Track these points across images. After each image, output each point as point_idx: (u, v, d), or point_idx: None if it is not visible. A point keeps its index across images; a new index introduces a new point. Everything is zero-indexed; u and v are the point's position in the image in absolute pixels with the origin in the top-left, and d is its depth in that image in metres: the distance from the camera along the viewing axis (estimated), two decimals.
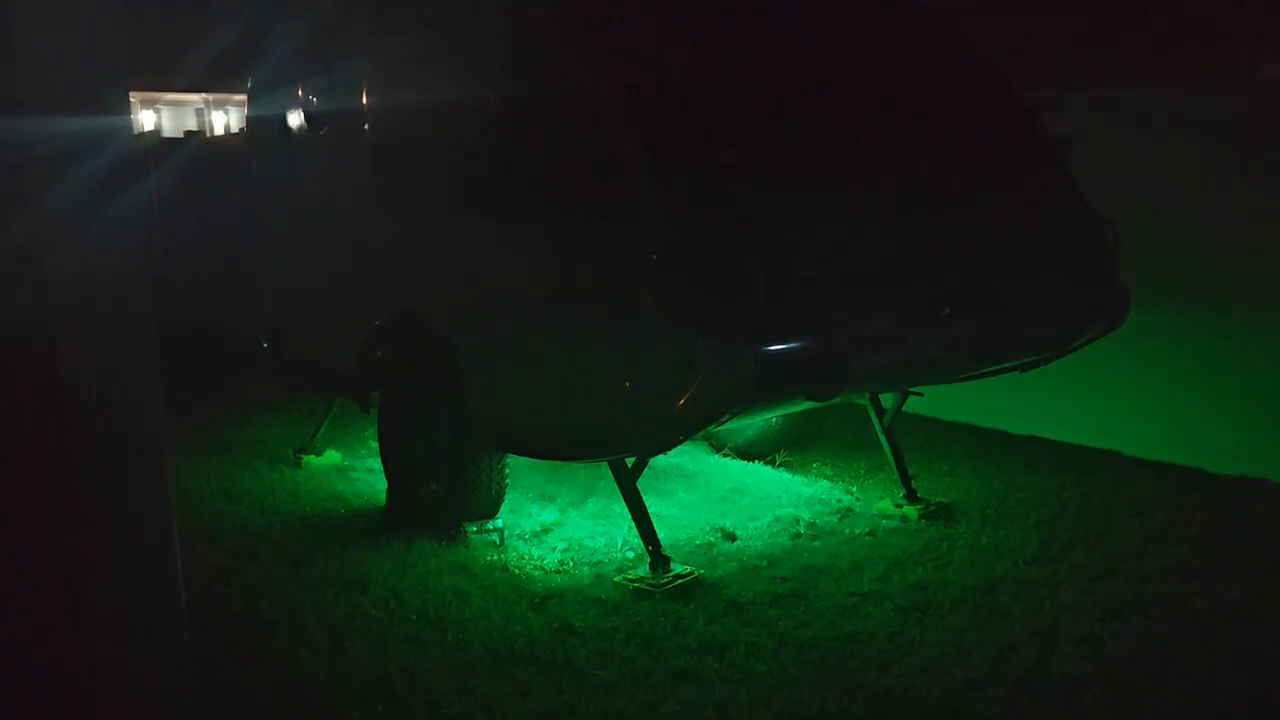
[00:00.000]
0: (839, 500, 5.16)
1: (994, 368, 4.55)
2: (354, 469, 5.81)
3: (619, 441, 3.96)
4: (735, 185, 3.64)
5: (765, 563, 4.45)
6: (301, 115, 5.54)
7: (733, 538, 4.71)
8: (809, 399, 3.92)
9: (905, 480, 5.05)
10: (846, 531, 4.78)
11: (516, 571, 4.41)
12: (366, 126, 5.17)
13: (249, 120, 6.12)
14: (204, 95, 21.53)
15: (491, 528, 4.76)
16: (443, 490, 4.77)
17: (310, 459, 5.89)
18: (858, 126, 4.30)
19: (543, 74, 4.15)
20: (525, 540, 4.75)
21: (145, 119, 20.60)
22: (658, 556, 4.24)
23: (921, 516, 4.89)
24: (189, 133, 14.34)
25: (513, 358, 4.21)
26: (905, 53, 4.83)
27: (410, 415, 4.92)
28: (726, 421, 3.83)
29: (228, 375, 6.98)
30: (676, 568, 4.25)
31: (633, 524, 4.38)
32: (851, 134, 4.23)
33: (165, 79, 19.97)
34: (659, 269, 3.53)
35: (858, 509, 5.04)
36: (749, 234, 3.56)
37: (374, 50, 5.03)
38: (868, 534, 4.74)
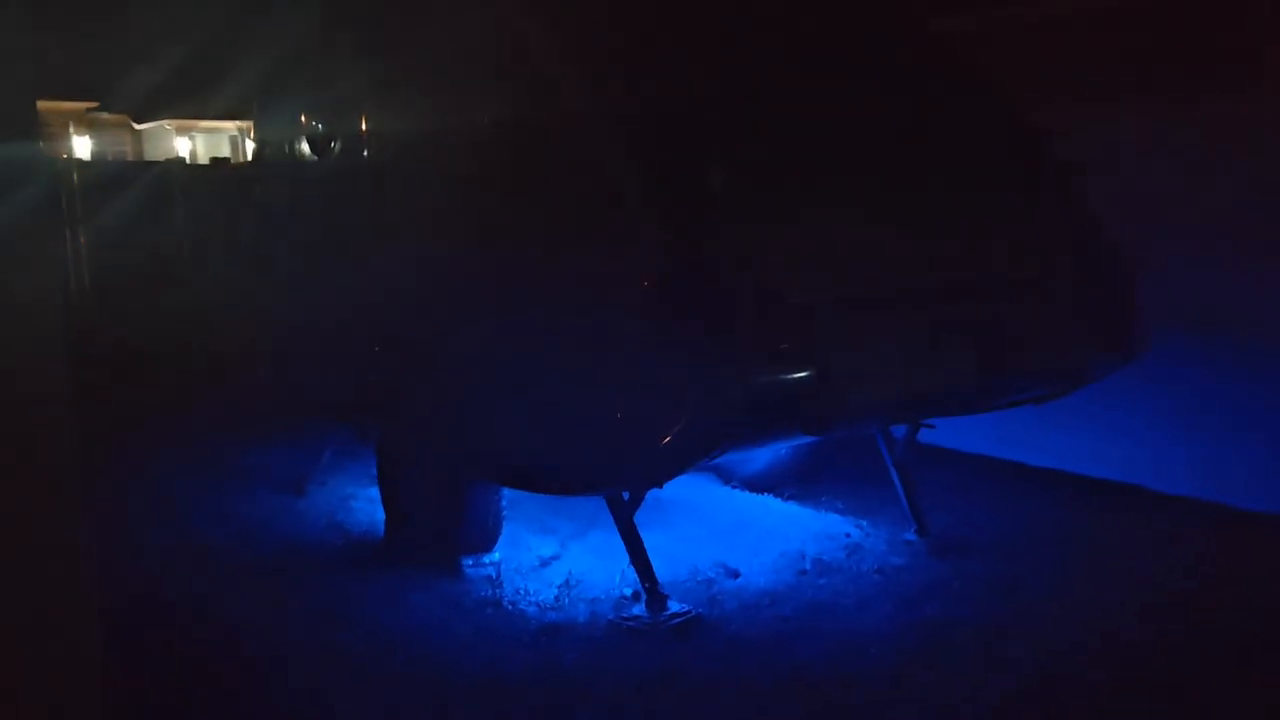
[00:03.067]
0: (848, 535, 4.94)
1: (1005, 400, 4.33)
2: (355, 498, 5.65)
3: (610, 476, 3.78)
4: (728, 209, 3.47)
5: (768, 600, 4.23)
6: (301, 139, 5.43)
7: (735, 574, 4.50)
8: (803, 432, 3.72)
9: (916, 514, 4.83)
10: (854, 568, 4.56)
11: (510, 607, 4.22)
12: (364, 151, 5.05)
13: (255, 143, 6.04)
14: (238, 123, 21.73)
15: (488, 561, 4.59)
16: (439, 523, 4.60)
17: (313, 487, 5.75)
18: (858, 148, 4.11)
19: (534, 98, 4.00)
20: (522, 574, 4.56)
21: (180, 145, 20.79)
22: (655, 594, 4.04)
23: (932, 552, 4.66)
24: (216, 159, 14.39)
25: (506, 388, 4.04)
26: (908, 74, 4.65)
27: (406, 446, 4.77)
28: (718, 456, 3.65)
29: (236, 401, 6.86)
30: (674, 605, 4.05)
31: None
32: (851, 156, 4.05)
33: (201, 108, 20.16)
34: (647, 296, 3.36)
35: (867, 544, 4.81)
36: (741, 259, 3.39)
37: (370, 73, 4.91)
38: (876, 570, 4.52)
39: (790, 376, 3.36)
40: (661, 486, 3.86)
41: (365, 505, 5.51)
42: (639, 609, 4.05)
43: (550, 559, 4.70)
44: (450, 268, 4.31)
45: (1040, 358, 4.10)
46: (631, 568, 4.22)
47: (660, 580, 4.13)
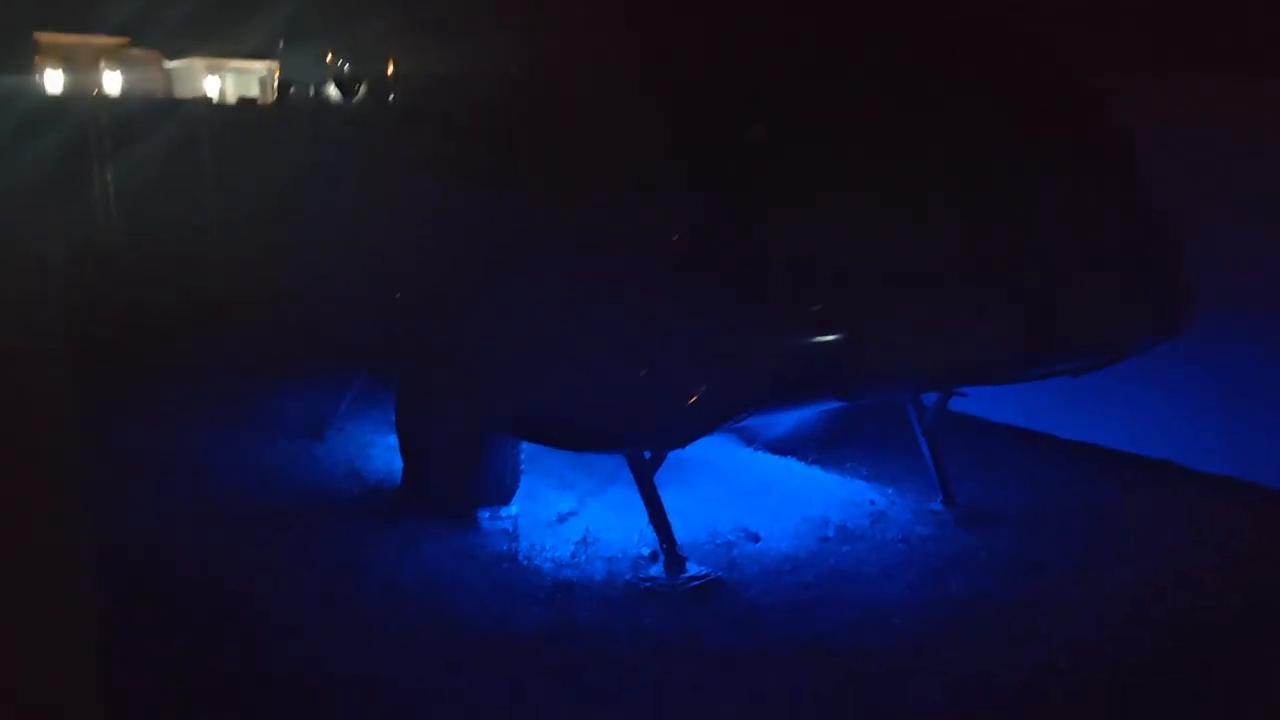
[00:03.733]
0: (872, 502, 4.82)
1: (1042, 371, 4.18)
2: (374, 445, 5.57)
3: (632, 435, 3.67)
4: (765, 167, 3.32)
5: (789, 566, 4.13)
6: (329, 83, 5.30)
7: (756, 538, 4.39)
8: (834, 398, 3.59)
9: (943, 484, 4.70)
10: (878, 536, 4.44)
11: (525, 563, 4.14)
12: (392, 94, 4.91)
13: (279, 85, 5.90)
14: (268, 63, 21.51)
15: (505, 515, 4.50)
16: (456, 474, 4.51)
17: (332, 433, 5.68)
18: (898, 107, 3.93)
19: (571, 45, 3.85)
20: (539, 529, 4.48)
21: (210, 84, 20.61)
22: (673, 556, 3.94)
23: (959, 523, 4.54)
24: (244, 99, 14.25)
25: (529, 341, 3.92)
26: (953, 31, 4.45)
27: (426, 395, 4.67)
28: (745, 419, 3.53)
29: (256, 345, 6.77)
30: (693, 568, 3.96)
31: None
32: (891, 115, 3.87)
33: (232, 45, 19.96)
34: (678, 253, 3.23)
35: (892, 512, 4.69)
36: (777, 219, 3.24)
37: (401, 12, 4.76)
38: (901, 539, 4.40)
39: (822, 340, 3.23)
40: (685, 447, 3.75)
41: (383, 453, 5.43)
42: (657, 570, 3.96)
43: (568, 515, 4.61)
44: (479, 215, 4.18)
45: (1082, 329, 3.94)
46: (650, 527, 4.13)
47: (679, 542, 4.04)
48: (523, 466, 4.54)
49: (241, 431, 5.76)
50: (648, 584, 3.88)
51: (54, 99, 16.05)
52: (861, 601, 3.85)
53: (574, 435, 3.90)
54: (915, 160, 3.71)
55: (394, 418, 4.88)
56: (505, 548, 4.26)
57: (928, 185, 3.71)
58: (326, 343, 5.68)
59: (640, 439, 3.71)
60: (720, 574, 4.00)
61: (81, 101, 14.35)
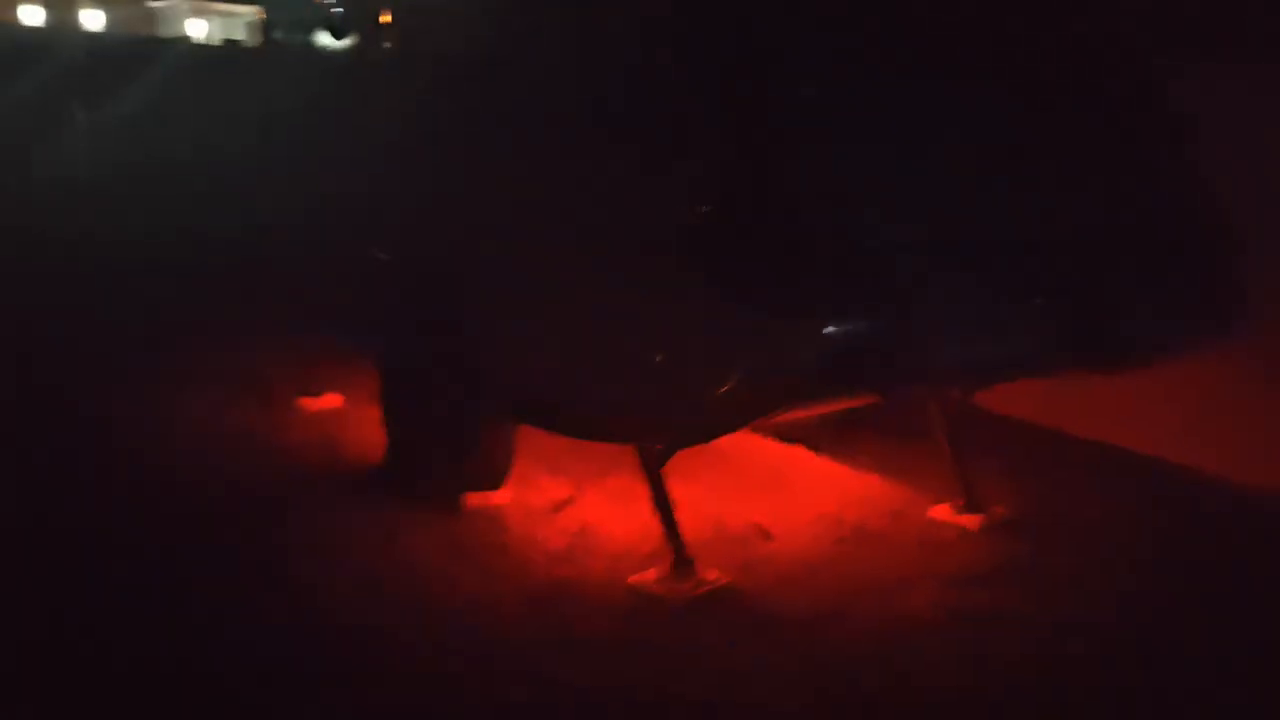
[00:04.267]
0: (888, 500, 4.48)
1: (1085, 367, 3.82)
2: (354, 415, 5.17)
3: (648, 426, 3.30)
4: (802, 131, 2.93)
5: (805, 571, 3.78)
6: (318, 23, 4.87)
7: (768, 536, 4.04)
8: (878, 395, 3.24)
9: (965, 485, 4.35)
10: (896, 539, 4.10)
11: (517, 557, 3.78)
12: (390, 40, 4.49)
13: (266, 23, 5.46)
14: (257, 9, 20.88)
15: (495, 502, 4.13)
16: (443, 454, 4.13)
17: (308, 400, 5.28)
18: (951, 80, 3.54)
19: None
20: (532, 518, 4.11)
21: (195, 26, 19.97)
22: (681, 558, 3.58)
23: (982, 529, 4.21)
24: (229, 41, 13.70)
25: (535, 312, 3.54)
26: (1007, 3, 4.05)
27: (414, 365, 4.28)
28: (778, 415, 3.17)
29: (231, 305, 6.33)
30: (703, 572, 3.60)
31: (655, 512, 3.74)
32: (943, 89, 3.48)
33: None
34: (707, 224, 2.84)
35: (910, 512, 4.35)
36: (815, 193, 2.86)
37: None
38: (920, 544, 4.06)
39: (864, 330, 2.85)
40: (707, 443, 3.39)
41: (364, 425, 5.02)
42: (663, 572, 3.60)
43: (563, 503, 4.24)
44: (485, 177, 3.78)
45: (1136, 326, 3.58)
46: (654, 519, 3.78)
47: (685, 539, 3.68)
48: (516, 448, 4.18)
49: (208, 394, 5.34)
50: (652, 588, 3.52)
51: (34, 33, 15.45)
52: (882, 615, 3.51)
53: (581, 422, 3.52)
54: (969, 133, 3.32)
55: (376, 387, 4.50)
56: (494, 539, 3.89)
57: (979, 160, 3.33)
58: (305, 304, 5.26)
59: (654, 432, 3.34)
60: (732, 579, 3.64)
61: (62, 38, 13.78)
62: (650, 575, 3.59)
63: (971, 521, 4.24)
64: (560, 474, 4.46)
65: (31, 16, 18.74)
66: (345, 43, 4.95)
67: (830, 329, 2.81)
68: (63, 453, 4.55)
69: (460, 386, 3.96)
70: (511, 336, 3.65)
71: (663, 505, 3.57)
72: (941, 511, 4.33)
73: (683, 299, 2.96)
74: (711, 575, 3.58)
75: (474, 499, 4.09)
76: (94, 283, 7.14)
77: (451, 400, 4.06)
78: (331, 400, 5.33)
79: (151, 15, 20.23)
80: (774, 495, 4.43)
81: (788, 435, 5.13)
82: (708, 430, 3.17)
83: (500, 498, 4.15)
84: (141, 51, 11.93)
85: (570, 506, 4.22)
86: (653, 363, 3.05)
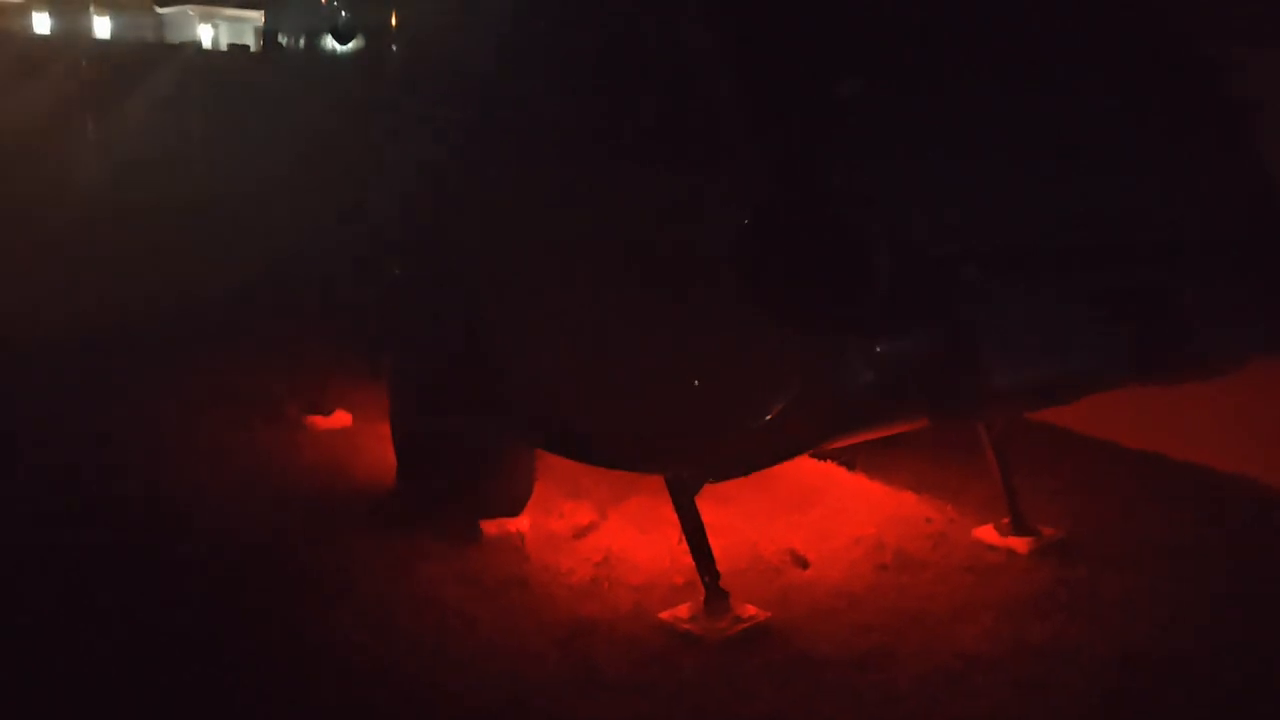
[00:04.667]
0: (929, 520, 4.20)
1: (1154, 381, 3.54)
2: (364, 435, 4.93)
3: (680, 456, 3.04)
4: (855, 130, 2.66)
5: (845, 603, 3.51)
6: (325, 31, 4.62)
7: (805, 563, 3.78)
8: (937, 420, 2.96)
9: (1013, 503, 4.08)
10: (942, 564, 3.82)
11: (538, 590, 3.52)
12: (397, 43, 4.24)
13: (264, 36, 5.22)
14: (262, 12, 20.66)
15: (514, 528, 3.88)
16: (459, 479, 3.88)
17: (317, 420, 5.03)
18: (1009, 73, 3.26)
19: None
20: (553, 546, 3.85)
21: (203, 32, 19.79)
22: (714, 592, 3.31)
23: (1033, 551, 3.93)
24: (234, 46, 13.51)
25: (559, 332, 3.28)
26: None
27: (427, 385, 4.03)
28: (829, 443, 2.90)
29: (235, 318, 6.09)
30: (738, 607, 3.33)
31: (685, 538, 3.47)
32: (1002, 82, 3.20)
33: None
34: (747, 235, 2.58)
35: (953, 534, 4.07)
36: (869, 196, 2.59)
37: None
38: (968, 569, 3.79)
39: (926, 350, 2.58)
40: (746, 476, 3.12)
41: (376, 445, 4.78)
42: (695, 607, 3.33)
43: (586, 529, 3.98)
44: (505, 187, 3.52)
45: (1209, 337, 3.30)
46: (683, 547, 3.53)
47: (718, 574, 3.41)
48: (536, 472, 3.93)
49: (215, 414, 5.10)
50: (685, 625, 3.25)
51: (41, 41, 15.29)
52: (933, 651, 3.24)
53: (608, 450, 3.25)
54: (1029, 131, 3.04)
55: (388, 407, 4.25)
56: (514, 570, 3.63)
57: (1040, 159, 3.05)
58: (314, 318, 5.02)
59: (688, 461, 3.07)
60: (770, 614, 3.38)
61: (69, 45, 13.62)
62: (682, 611, 3.32)
63: (1020, 544, 3.96)
64: (581, 497, 4.20)
65: (40, 24, 18.63)
66: (350, 47, 4.72)
67: (888, 348, 2.53)
68: (56, 481, 4.32)
69: (477, 407, 3.70)
70: (532, 354, 3.39)
71: (695, 536, 3.30)
72: (987, 533, 4.06)
73: (722, 315, 2.70)
74: (748, 611, 3.31)
75: (491, 526, 3.84)
76: (96, 292, 6.91)
77: (468, 421, 3.81)
78: (342, 418, 5.08)
79: (159, 21, 20.05)
80: (809, 517, 4.15)
81: (820, 451, 4.86)
82: (748, 463, 2.90)
83: (519, 524, 3.90)
84: (148, 57, 11.77)
85: (593, 532, 3.96)
86: (687, 385, 2.78)
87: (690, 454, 2.97)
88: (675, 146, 2.79)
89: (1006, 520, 4.06)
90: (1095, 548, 3.94)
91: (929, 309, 2.50)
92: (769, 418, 2.58)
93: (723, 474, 3.08)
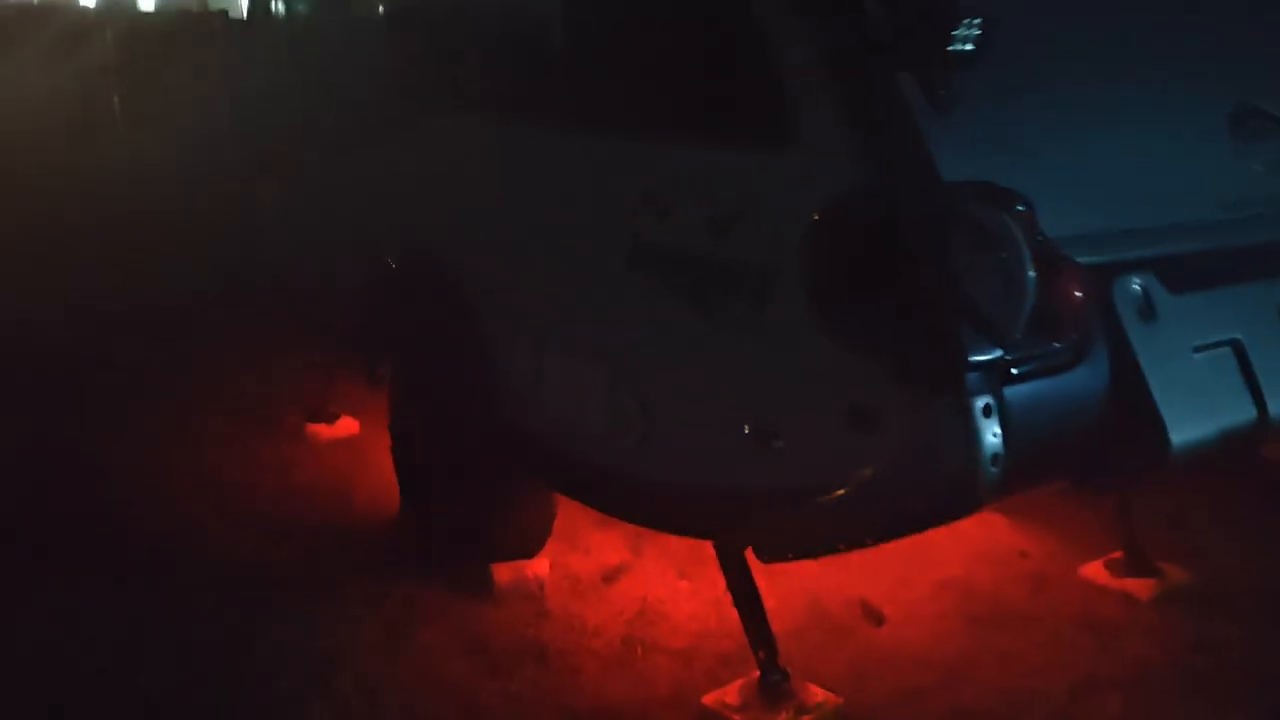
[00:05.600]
0: (1025, 554, 3.45)
1: None
2: (373, 447, 4.26)
3: (726, 517, 2.34)
4: (967, 99, 1.92)
5: (936, 677, 2.79)
6: None
7: (880, 618, 3.07)
8: (1090, 490, 2.23)
9: (1128, 532, 3.32)
10: (1047, 616, 3.10)
11: (558, 662, 2.85)
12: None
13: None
14: None
15: (531, 574, 3.21)
16: (468, 516, 3.22)
17: (320, 429, 4.39)
18: (1163, 37, 2.47)
19: None
20: (578, 594, 3.19)
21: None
22: (771, 669, 2.61)
23: (1154, 598, 3.19)
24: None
25: (578, 354, 2.58)
26: None
27: (428, 403, 3.36)
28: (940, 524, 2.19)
29: (220, 311, 5.42)
30: (799, 690, 2.63)
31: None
32: (1154, 47, 2.41)
33: None
34: (820, 238, 1.86)
35: (1055, 574, 3.33)
36: (991, 185, 1.85)
37: None
38: (1081, 626, 3.05)
39: (1086, 398, 1.84)
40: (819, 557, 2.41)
41: (382, 458, 4.10)
42: (748, 691, 2.64)
43: (616, 571, 3.30)
44: (515, 157, 2.82)
45: None
46: (731, 599, 2.84)
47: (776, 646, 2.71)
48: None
49: (208, 421, 4.48)
50: (735, 717, 2.56)
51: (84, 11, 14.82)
52: None
53: (637, 504, 2.55)
54: (1187, 107, 2.26)
55: (389, 425, 3.59)
56: (531, 635, 2.96)
57: (1198, 142, 2.26)
58: (305, 314, 4.36)
59: (735, 523, 2.35)
60: (842, 699, 2.68)
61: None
62: (731, 695, 2.62)
63: (1139, 588, 3.21)
64: (610, 525, 3.51)
65: None
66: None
67: (1031, 396, 1.79)
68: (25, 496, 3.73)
69: (488, 434, 3.02)
70: (550, 378, 2.70)
71: (747, 604, 2.59)
72: (1096, 572, 3.31)
73: (792, 344, 1.98)
74: (813, 696, 2.61)
75: (505, 571, 3.17)
76: (83, 286, 6.26)
77: (477, 449, 3.14)
78: (347, 426, 4.43)
79: None
80: (880, 555, 3.40)
81: None
82: (814, 540, 2.18)
83: (537, 567, 3.23)
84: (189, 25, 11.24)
85: (625, 575, 3.28)
86: (744, 432, 2.07)
87: (747, 522, 2.26)
88: (722, 114, 2.07)
89: (1119, 555, 3.32)
90: (1238, 597, 3.18)
91: (1086, 340, 1.77)
92: (842, 487, 1.88)
93: (792, 550, 2.35)
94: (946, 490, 1.88)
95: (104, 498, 3.79)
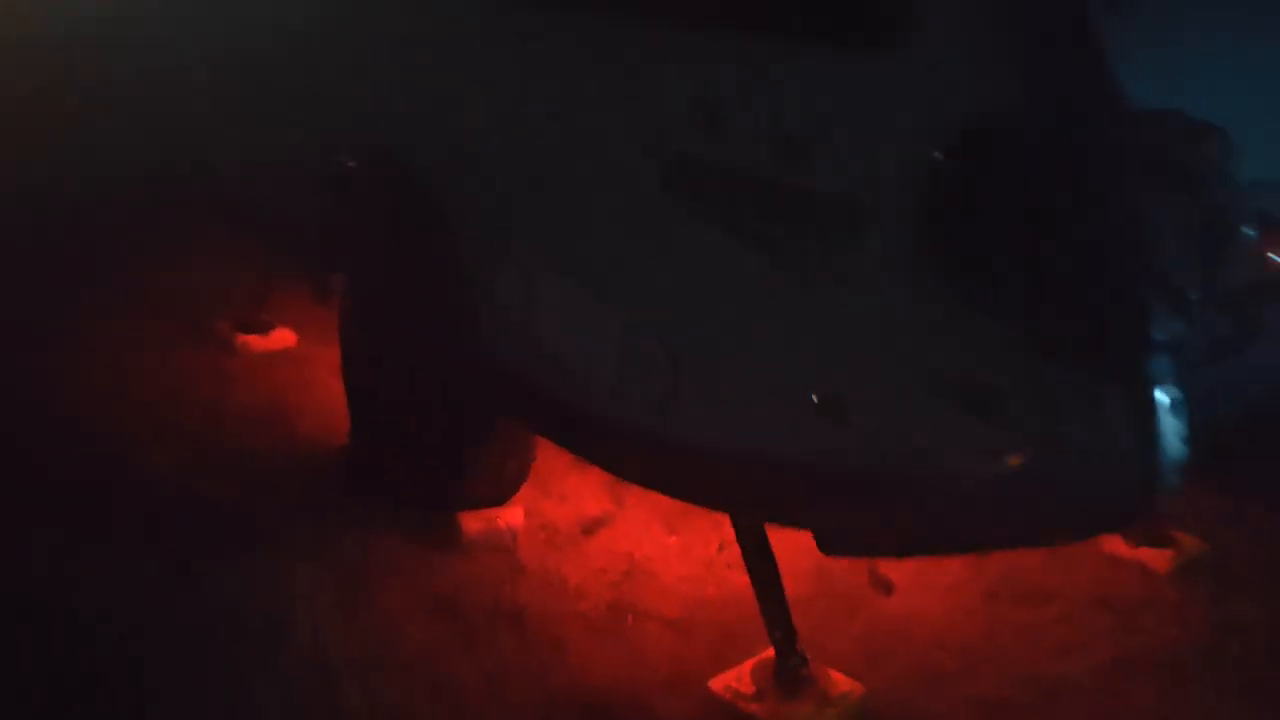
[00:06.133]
0: None
1: None
2: (314, 363, 3.80)
3: (769, 499, 1.99)
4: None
5: (954, 660, 2.52)
6: None
7: (889, 586, 2.78)
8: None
9: None
10: (1068, 592, 2.85)
11: (538, 628, 2.50)
12: None
13: None
14: None
15: (504, 523, 2.85)
16: (433, 456, 2.82)
17: (252, 340, 3.91)
18: None
19: None
20: (556, 547, 2.84)
21: None
22: (788, 658, 2.29)
23: (1172, 571, 2.97)
24: None
25: (587, 286, 2.17)
26: None
27: (390, 323, 2.93)
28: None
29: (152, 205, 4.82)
30: (816, 673, 2.33)
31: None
32: None
33: None
34: (955, 173, 1.48)
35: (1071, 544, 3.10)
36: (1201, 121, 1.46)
37: None
38: (1101, 603, 2.80)
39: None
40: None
41: (326, 376, 3.65)
42: (762, 677, 2.33)
43: (597, 522, 2.95)
44: (521, 41, 2.35)
45: None
46: (726, 555, 2.55)
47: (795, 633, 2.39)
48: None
49: (128, 326, 3.96)
50: (750, 708, 2.26)
51: None
52: None
53: (660, 469, 2.18)
54: None
55: (341, 348, 3.15)
56: (505, 597, 2.61)
57: None
58: (246, 211, 3.85)
59: (787, 512, 1.99)
60: (857, 679, 2.39)
61: None
62: (744, 682, 2.31)
63: (1156, 559, 2.99)
64: (587, 471, 3.14)
65: None
66: None
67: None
68: None
69: (460, 363, 2.62)
70: (551, 311, 2.29)
71: (767, 589, 2.26)
72: (1110, 541, 3.08)
73: (882, 300, 1.60)
74: (838, 685, 2.31)
75: (474, 522, 2.80)
76: None
77: (448, 379, 2.73)
78: (283, 338, 3.96)
79: None
80: None
81: None
82: (901, 540, 1.85)
83: (510, 516, 2.86)
84: None
85: (607, 527, 2.94)
86: (805, 401, 1.70)
87: (801, 508, 1.91)
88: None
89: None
90: (1260, 571, 2.98)
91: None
92: (935, 489, 1.53)
93: (870, 549, 2.00)
94: (1107, 500, 1.55)
95: (8, 412, 3.30)
